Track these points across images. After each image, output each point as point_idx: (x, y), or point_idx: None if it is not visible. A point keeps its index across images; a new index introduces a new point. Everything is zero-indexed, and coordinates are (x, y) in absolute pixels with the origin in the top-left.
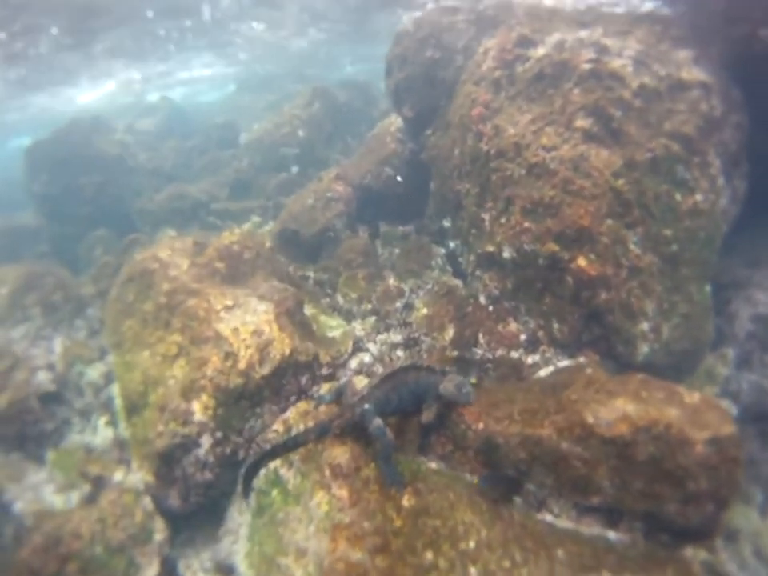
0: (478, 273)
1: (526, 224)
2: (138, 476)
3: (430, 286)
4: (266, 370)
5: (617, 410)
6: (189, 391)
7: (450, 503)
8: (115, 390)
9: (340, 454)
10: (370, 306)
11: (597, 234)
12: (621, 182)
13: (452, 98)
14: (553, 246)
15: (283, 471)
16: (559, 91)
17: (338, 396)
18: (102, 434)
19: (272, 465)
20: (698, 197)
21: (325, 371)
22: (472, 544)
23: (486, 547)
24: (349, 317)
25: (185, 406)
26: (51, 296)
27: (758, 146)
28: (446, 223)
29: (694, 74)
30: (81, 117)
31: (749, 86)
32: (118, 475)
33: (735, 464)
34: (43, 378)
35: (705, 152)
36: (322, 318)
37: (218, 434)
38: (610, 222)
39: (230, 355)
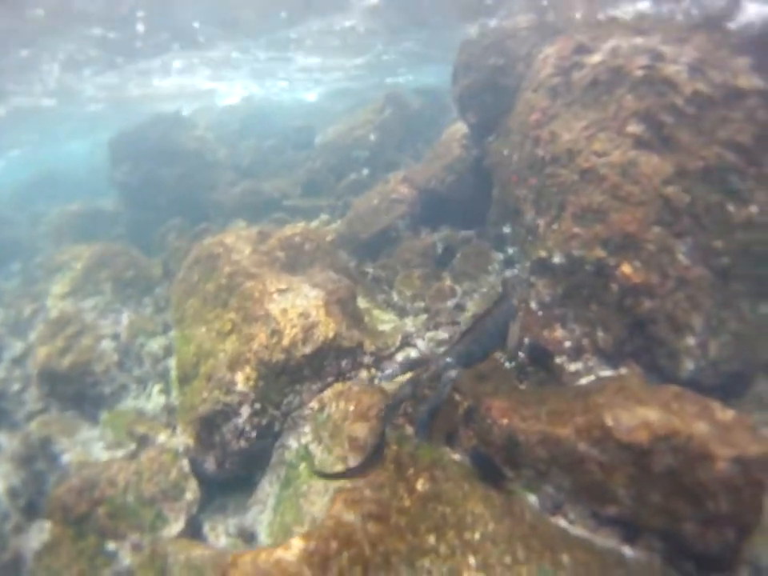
0: (532, 279)
1: (575, 229)
2: (180, 439)
3: (484, 290)
4: (307, 349)
5: (639, 416)
6: (235, 363)
7: (464, 493)
8: (172, 361)
9: (359, 428)
10: (423, 304)
11: (643, 240)
12: (670, 189)
13: (513, 105)
14: (599, 252)
15: (313, 447)
16: (613, 97)
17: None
18: (154, 400)
19: (303, 440)
20: (753, 209)
21: (367, 359)
22: (477, 535)
23: (491, 540)
24: (402, 313)
25: (229, 376)
26: (123, 273)
27: None
28: (506, 229)
29: (752, 81)
30: (163, 112)
31: None
32: (162, 437)
33: (760, 488)
34: (107, 345)
35: (762, 162)
36: (376, 311)
37: (257, 405)
38: (657, 229)
39: (276, 332)
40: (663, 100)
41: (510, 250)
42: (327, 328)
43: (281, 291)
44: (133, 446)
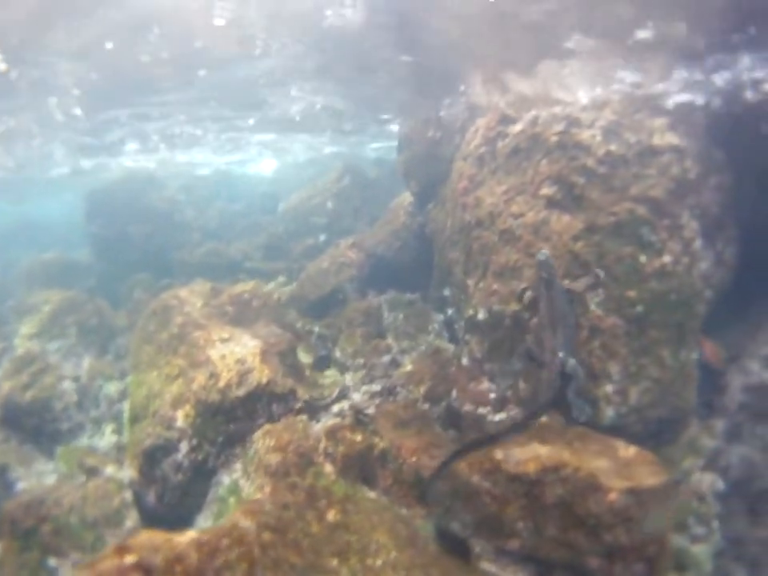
0: (466, 337)
1: (495, 286)
2: (126, 473)
3: (423, 348)
4: (241, 392)
5: (531, 450)
6: (177, 402)
7: (372, 525)
8: (126, 404)
9: (272, 457)
10: (362, 360)
11: None
12: (579, 244)
13: (449, 174)
14: (515, 306)
15: (242, 482)
16: (531, 163)
17: None
18: (107, 439)
19: (234, 476)
20: (666, 258)
21: (299, 405)
22: (379, 562)
23: (391, 567)
24: (343, 369)
25: (171, 413)
26: (88, 320)
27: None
28: (446, 292)
29: (666, 138)
30: (137, 172)
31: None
32: (110, 469)
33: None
34: (68, 386)
35: (676, 214)
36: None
37: (194, 441)
38: (567, 282)
39: (214, 375)
40: (575, 162)
41: (450, 311)
42: (261, 374)
43: (223, 340)
44: (83, 478)
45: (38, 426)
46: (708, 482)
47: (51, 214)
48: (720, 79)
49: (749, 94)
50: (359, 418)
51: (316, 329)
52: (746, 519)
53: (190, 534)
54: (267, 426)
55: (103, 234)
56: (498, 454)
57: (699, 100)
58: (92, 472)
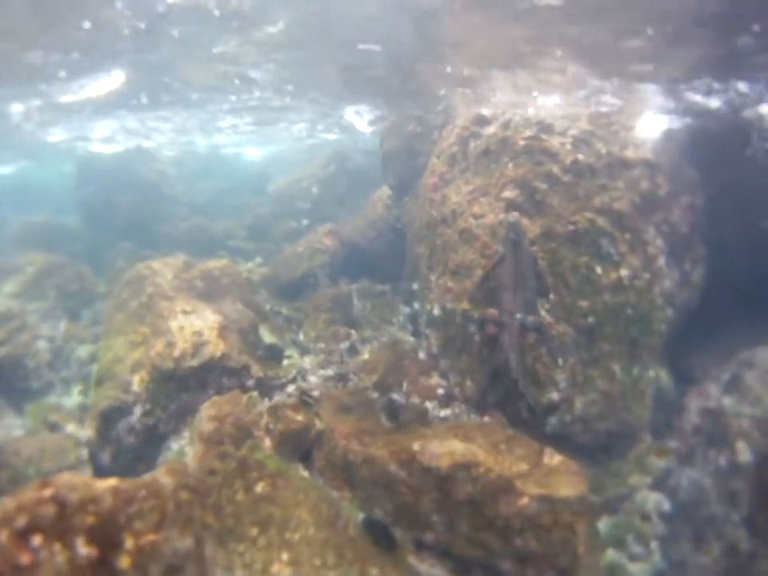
0: (427, 332)
1: (450, 284)
2: (86, 432)
3: (384, 339)
4: (194, 363)
5: (448, 445)
6: (135, 367)
7: (297, 502)
8: (95, 367)
9: (209, 426)
10: (323, 345)
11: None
12: (533, 249)
13: (424, 170)
14: (465, 305)
15: (187, 448)
16: (498, 165)
17: None
18: (74, 399)
19: (182, 442)
20: (624, 272)
21: (251, 383)
22: (297, 536)
23: (307, 543)
24: (304, 352)
25: (129, 377)
26: (68, 284)
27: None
28: (414, 285)
29: (639, 153)
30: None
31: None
32: (71, 427)
33: (570, 531)
34: (42, 346)
35: (640, 230)
36: None
37: (147, 406)
38: None
39: (171, 344)
40: (540, 168)
41: (416, 305)
42: (216, 348)
43: (185, 312)
44: (45, 433)
45: (10, 381)
46: (654, 501)
47: (46, 177)
48: (702, 101)
49: (730, 116)
50: (303, 399)
51: (284, 311)
52: (691, 544)
53: (110, 481)
54: (215, 398)
55: (92, 201)
56: (415, 446)
57: (678, 120)
58: (54, 428)
